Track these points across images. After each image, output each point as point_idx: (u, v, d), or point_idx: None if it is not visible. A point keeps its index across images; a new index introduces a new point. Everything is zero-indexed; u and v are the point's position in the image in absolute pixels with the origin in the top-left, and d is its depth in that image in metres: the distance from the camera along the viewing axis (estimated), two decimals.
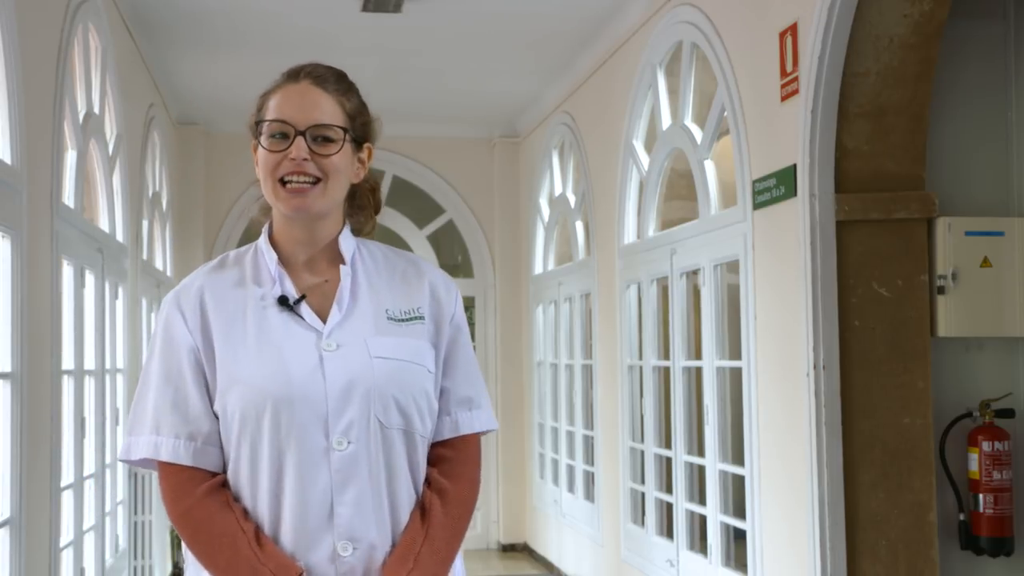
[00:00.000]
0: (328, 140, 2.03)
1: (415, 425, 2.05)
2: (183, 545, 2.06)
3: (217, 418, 2.01)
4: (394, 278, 2.13)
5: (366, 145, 2.14)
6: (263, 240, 2.12)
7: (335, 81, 2.09)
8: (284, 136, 2.02)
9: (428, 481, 2.08)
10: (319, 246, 2.09)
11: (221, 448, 2.02)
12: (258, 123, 2.04)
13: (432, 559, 2.02)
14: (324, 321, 2.04)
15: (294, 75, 2.07)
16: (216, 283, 2.09)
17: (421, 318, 2.10)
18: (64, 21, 4.68)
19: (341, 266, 2.09)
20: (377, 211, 2.24)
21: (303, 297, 2.05)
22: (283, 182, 2.02)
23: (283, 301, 2.04)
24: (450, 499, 2.07)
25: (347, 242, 2.12)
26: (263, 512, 1.99)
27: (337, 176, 2.05)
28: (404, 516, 2.04)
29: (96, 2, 5.30)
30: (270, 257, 2.08)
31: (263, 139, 2.04)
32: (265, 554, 1.94)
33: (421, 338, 2.08)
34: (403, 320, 2.08)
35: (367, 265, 2.13)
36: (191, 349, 2.03)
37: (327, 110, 2.05)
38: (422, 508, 2.06)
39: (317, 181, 2.02)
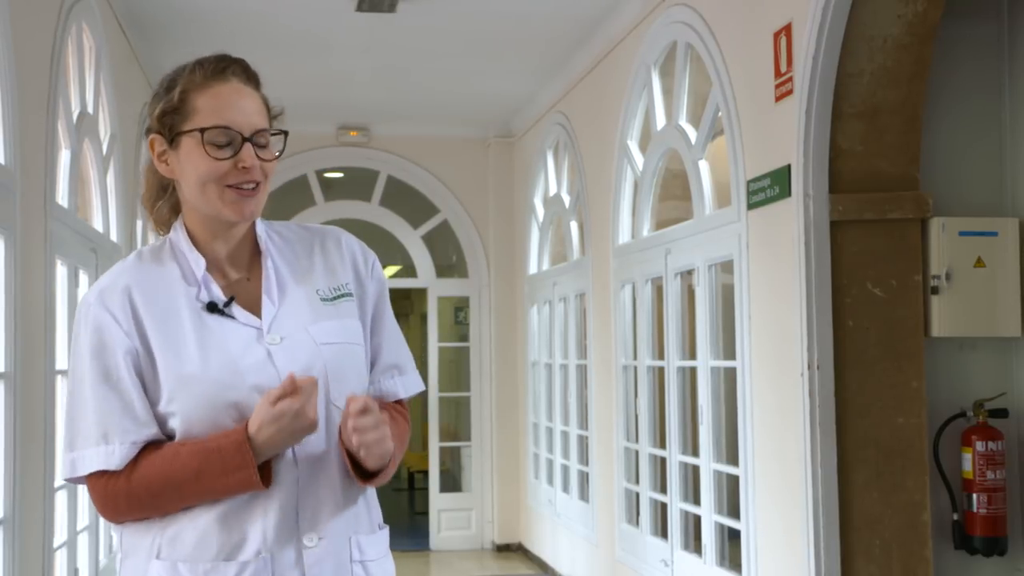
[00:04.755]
0: (264, 145, 1.99)
1: None
2: (122, 537, 1.98)
3: (158, 423, 1.93)
4: (314, 255, 2.09)
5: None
6: (184, 241, 2.02)
7: (255, 77, 2.03)
8: (227, 142, 1.95)
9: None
10: (237, 239, 2.04)
11: None
12: (202, 130, 1.94)
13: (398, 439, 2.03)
14: (259, 317, 1.99)
15: (220, 72, 1.98)
16: (141, 281, 1.99)
17: (349, 294, 2.08)
18: (58, 21, 4.68)
19: (263, 259, 2.04)
20: None
21: (231, 299, 1.99)
22: (229, 187, 1.95)
23: (212, 308, 1.97)
24: (397, 418, 2.09)
25: (261, 231, 2.07)
26: (224, 508, 1.91)
27: (270, 178, 2.02)
28: (360, 500, 2.02)
29: (90, 1, 5.29)
30: (196, 261, 2.00)
31: (205, 146, 1.94)
32: (207, 438, 1.89)
33: (352, 316, 2.06)
34: (333, 299, 2.05)
35: (283, 251, 2.08)
36: (128, 351, 1.93)
37: (261, 111, 2.00)
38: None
39: (257, 185, 1.98)
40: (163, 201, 2.07)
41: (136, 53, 6.90)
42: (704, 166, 5.45)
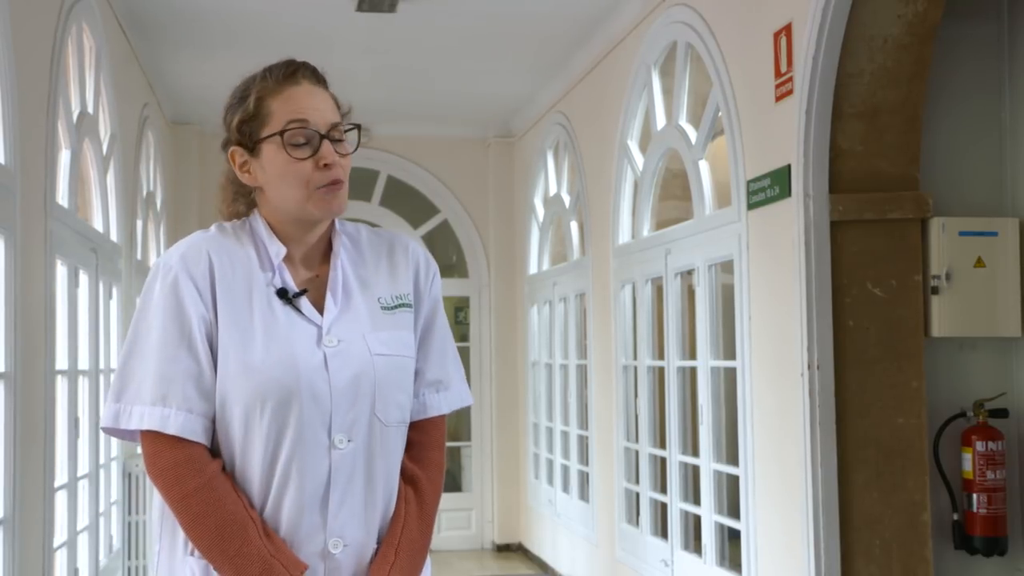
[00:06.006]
0: (340, 140, 2.03)
1: (406, 418, 2.07)
2: (161, 525, 2.00)
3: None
4: (380, 262, 2.11)
5: None
6: (263, 228, 2.05)
7: (323, 78, 2.09)
8: (306, 142, 1.99)
9: (400, 469, 2.09)
10: (313, 240, 2.07)
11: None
12: (281, 133, 1.98)
13: (410, 549, 2.04)
14: (320, 314, 2.02)
15: (290, 75, 2.03)
16: (223, 254, 2.02)
17: (408, 305, 2.10)
18: (58, 21, 4.68)
19: (332, 259, 2.07)
20: None
21: (304, 291, 2.02)
22: (317, 189, 1.99)
23: (283, 294, 2.00)
24: (423, 488, 2.09)
25: (336, 235, 2.10)
26: (256, 504, 1.96)
27: (348, 174, 2.05)
28: (391, 512, 2.05)
29: (90, 1, 5.29)
30: (275, 249, 2.03)
31: (285, 147, 1.98)
32: (275, 547, 1.92)
33: (407, 328, 2.08)
34: (393, 307, 2.08)
35: (352, 254, 2.10)
36: (203, 320, 1.96)
37: (334, 109, 2.04)
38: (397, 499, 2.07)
39: (340, 182, 2.01)
40: (240, 200, 2.10)
41: (136, 53, 6.90)
42: (704, 166, 5.45)
